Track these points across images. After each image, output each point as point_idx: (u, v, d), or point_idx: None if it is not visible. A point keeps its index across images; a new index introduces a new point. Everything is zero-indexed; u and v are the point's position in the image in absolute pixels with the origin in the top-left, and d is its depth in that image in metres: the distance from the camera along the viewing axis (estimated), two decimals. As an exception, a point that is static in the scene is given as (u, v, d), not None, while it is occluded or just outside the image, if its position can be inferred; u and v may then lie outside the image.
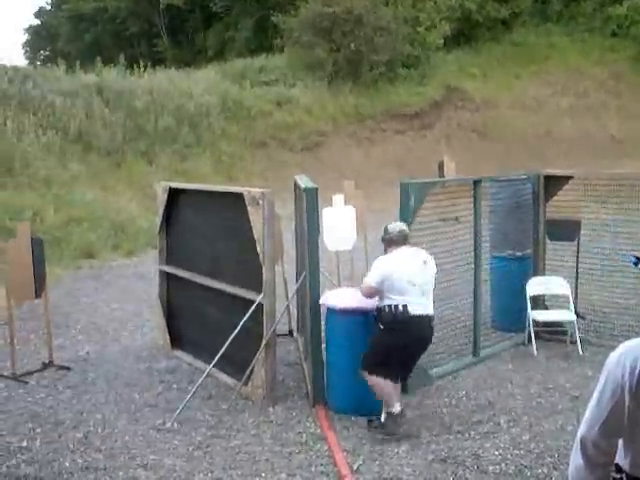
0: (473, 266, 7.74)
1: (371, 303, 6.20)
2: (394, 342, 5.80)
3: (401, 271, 5.80)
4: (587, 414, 2.62)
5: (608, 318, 8.50)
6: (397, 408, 5.81)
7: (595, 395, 2.59)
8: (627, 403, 2.48)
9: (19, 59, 54.14)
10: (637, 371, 2.47)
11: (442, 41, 25.56)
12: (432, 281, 6.01)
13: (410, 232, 6.78)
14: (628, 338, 2.64)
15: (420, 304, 5.79)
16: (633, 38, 26.10)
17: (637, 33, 25.92)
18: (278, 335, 7.19)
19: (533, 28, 28.33)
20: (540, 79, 25.12)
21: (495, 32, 28.20)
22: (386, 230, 6.05)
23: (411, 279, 5.77)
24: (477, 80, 25.34)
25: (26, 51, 46.60)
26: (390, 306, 5.80)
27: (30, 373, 7.61)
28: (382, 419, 5.90)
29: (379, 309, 5.92)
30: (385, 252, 6.07)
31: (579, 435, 2.63)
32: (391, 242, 6.01)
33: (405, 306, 5.74)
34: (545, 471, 5.21)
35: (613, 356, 2.57)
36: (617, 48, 26.43)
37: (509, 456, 5.47)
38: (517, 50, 27.09)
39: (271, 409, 6.52)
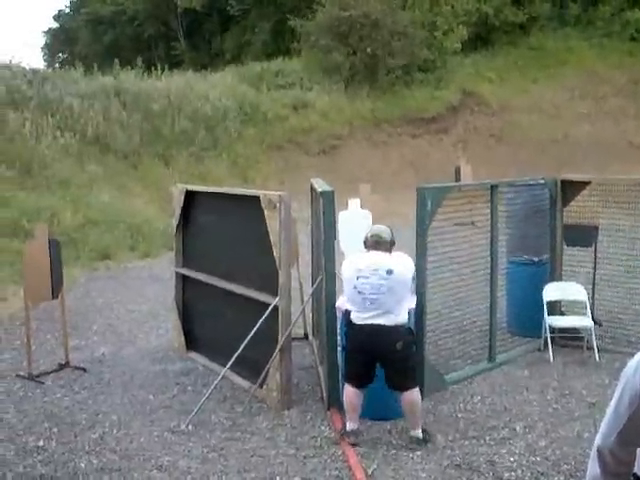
0: (489, 271, 7.69)
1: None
2: (348, 347, 5.96)
3: (349, 275, 5.82)
4: (604, 423, 2.57)
5: (625, 325, 8.43)
6: (348, 426, 5.91)
7: (612, 403, 2.56)
8: None
9: (38, 62, 54.64)
10: None
11: (459, 45, 25.51)
12: (396, 291, 5.70)
13: (427, 237, 6.80)
14: (645, 345, 2.62)
15: (365, 315, 5.70)
16: (651, 43, 25.98)
17: (656, 38, 25.81)
18: (293, 338, 7.18)
19: (551, 32, 28.20)
20: (557, 83, 25.00)
21: (512, 36, 28.10)
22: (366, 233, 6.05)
23: (356, 285, 5.73)
24: (494, 84, 25.27)
25: (45, 54, 46.95)
26: (347, 310, 5.94)
27: (46, 373, 7.66)
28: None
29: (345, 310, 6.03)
30: None
31: (596, 444, 2.59)
32: (366, 246, 5.94)
33: (349, 312, 5.86)
34: (562, 478, 5.17)
35: (630, 364, 2.53)
36: (635, 52, 26.25)
37: (525, 462, 5.43)
38: (534, 54, 26.98)
39: (286, 412, 6.51)
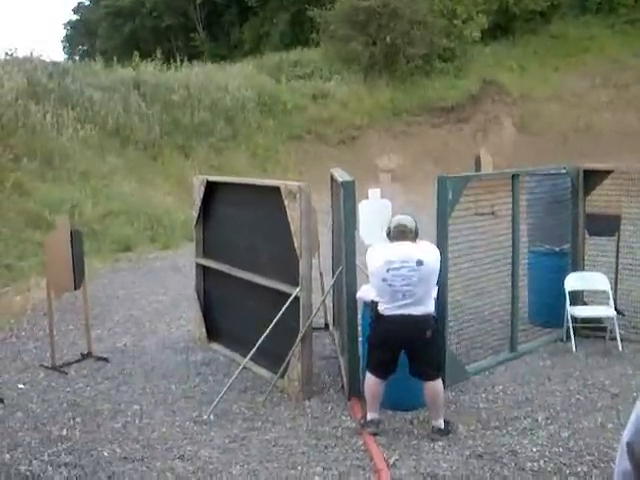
0: (511, 261, 7.65)
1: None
2: (373, 338, 5.87)
3: (378, 267, 5.68)
4: (632, 417, 2.47)
5: (648, 315, 8.37)
6: (370, 416, 5.87)
7: None
8: None
9: (58, 54, 54.90)
10: None
11: (479, 34, 25.33)
12: (426, 281, 5.66)
13: (448, 226, 6.77)
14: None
15: (396, 306, 5.63)
16: (675, 29, 25.66)
17: (679, 24, 25.49)
18: (314, 329, 7.18)
19: (572, 20, 27.95)
20: (579, 72, 24.77)
21: (533, 24, 27.88)
22: (390, 222, 5.96)
23: (386, 278, 5.62)
24: (514, 73, 25.08)
25: (65, 46, 47.16)
26: (372, 302, 5.84)
27: (69, 364, 7.72)
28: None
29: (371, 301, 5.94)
30: None
31: (625, 440, 2.48)
32: (389, 237, 5.87)
33: (377, 304, 5.74)
34: (585, 469, 5.13)
35: None
36: (658, 40, 25.96)
37: (547, 453, 5.40)
38: (555, 42, 26.75)
39: (307, 402, 6.52)
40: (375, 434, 5.77)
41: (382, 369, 5.82)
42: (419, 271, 5.59)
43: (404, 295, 5.59)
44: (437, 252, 5.85)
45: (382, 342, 5.77)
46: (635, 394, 6.26)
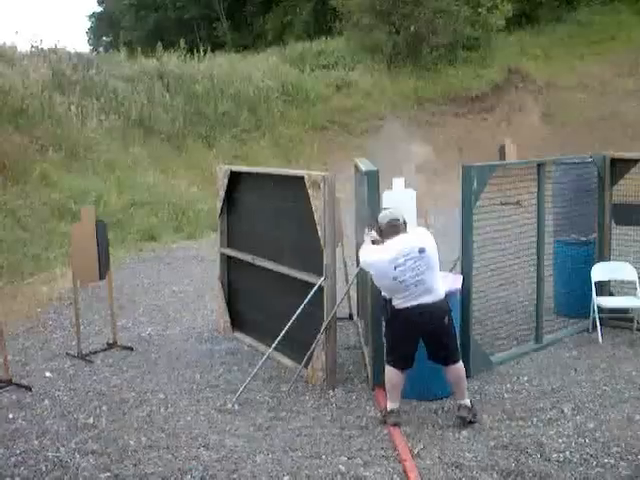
0: (536, 251, 7.59)
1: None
2: (392, 333, 5.87)
3: (383, 268, 5.62)
4: None
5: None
6: (389, 406, 5.86)
7: None
8: None
9: (83, 46, 55.17)
10: None
11: (504, 22, 25.05)
12: (432, 267, 5.63)
13: (473, 216, 6.72)
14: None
15: (412, 298, 5.60)
16: None
17: None
18: (338, 319, 7.18)
19: (599, 7, 27.56)
20: (605, 59, 24.43)
21: (559, 12, 27.54)
22: (376, 221, 5.85)
23: (396, 276, 5.55)
24: (539, 61, 24.81)
25: (89, 38, 47.37)
26: (384, 299, 5.82)
27: (95, 353, 7.79)
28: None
29: (383, 299, 5.88)
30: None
31: None
32: (381, 234, 5.80)
33: (391, 300, 5.71)
34: (612, 461, 5.08)
35: None
36: (687, 27, 25.53)
37: (573, 444, 5.36)
38: (581, 30, 26.41)
39: (331, 392, 6.53)
40: (396, 424, 5.76)
41: (403, 361, 5.83)
42: (423, 259, 5.58)
43: (416, 286, 5.58)
44: (429, 234, 5.86)
45: (403, 335, 5.77)
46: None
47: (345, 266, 8.52)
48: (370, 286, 6.53)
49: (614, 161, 8.27)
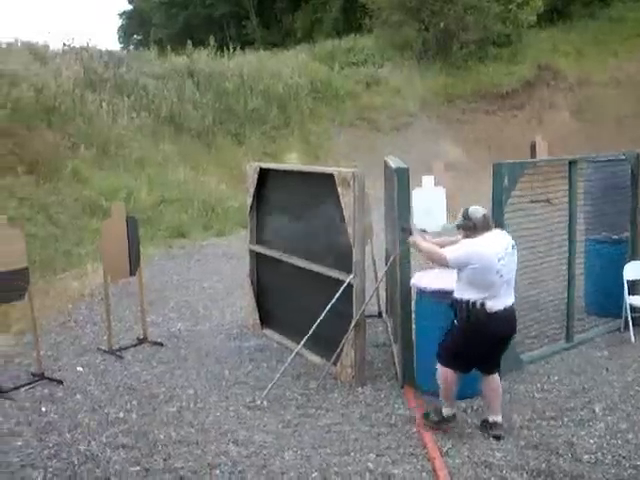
0: (567, 249, 7.51)
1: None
2: (468, 341, 5.43)
3: (491, 260, 5.24)
4: None
5: None
6: (446, 412, 5.67)
7: None
8: None
9: (114, 44, 55.59)
10: None
11: (535, 18, 24.80)
12: (515, 266, 5.52)
13: (504, 213, 6.67)
14: None
15: (503, 298, 5.34)
16: None
17: None
18: (367, 316, 7.18)
19: (632, 3, 27.17)
20: (638, 56, 24.10)
21: (591, 8, 27.21)
22: (466, 215, 5.43)
23: (499, 269, 5.26)
24: (571, 58, 24.54)
25: (120, 36, 47.71)
26: (468, 302, 5.36)
27: (126, 348, 7.86)
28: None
29: (457, 301, 5.46)
30: None
31: None
32: (474, 230, 5.39)
33: (483, 304, 5.28)
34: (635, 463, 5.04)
35: None
36: None
37: (605, 445, 5.31)
38: (614, 26, 26.05)
39: (360, 389, 6.53)
40: (448, 429, 5.63)
41: (467, 366, 5.57)
42: (514, 256, 5.45)
43: (508, 284, 5.39)
44: None
45: (486, 341, 5.41)
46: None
47: (374, 263, 8.51)
48: (400, 284, 6.52)
49: (647, 158, 8.16)
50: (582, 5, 27.16)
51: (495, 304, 5.31)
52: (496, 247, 5.32)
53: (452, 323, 5.53)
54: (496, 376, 5.63)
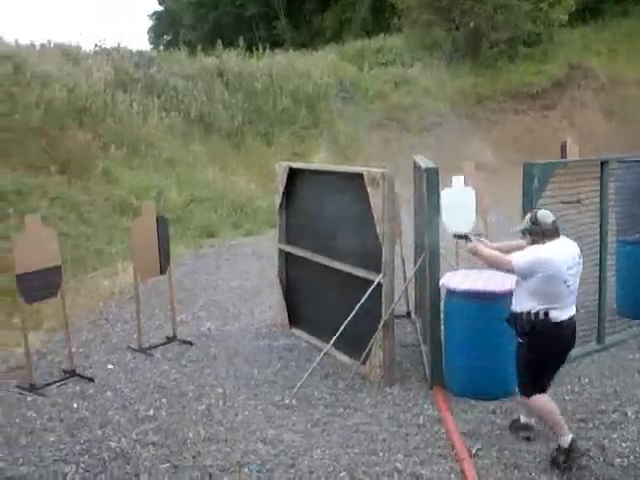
0: (598, 250, 7.44)
1: (493, 286, 6.12)
2: (539, 356, 5.12)
3: (560, 269, 4.96)
4: None
5: None
6: (567, 440, 5.12)
7: None
8: None
9: (144, 44, 55.98)
10: None
11: (566, 17, 24.56)
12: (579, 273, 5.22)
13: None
14: None
15: (568, 308, 5.08)
16: None
17: None
18: (396, 316, 7.17)
19: (667, 0, 26.79)
20: (673, 54, 23.76)
21: (625, 6, 26.85)
22: (535, 220, 5.12)
23: (567, 279, 5.00)
24: (603, 57, 24.25)
25: (150, 37, 48.10)
26: (529, 313, 5.07)
27: (155, 346, 7.93)
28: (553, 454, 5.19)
29: (517, 315, 5.16)
30: None
31: None
32: (543, 236, 5.08)
33: (547, 313, 5.01)
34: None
35: None
36: None
37: (638, 449, 5.26)
38: (648, 25, 25.73)
39: (388, 389, 6.53)
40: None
41: (547, 383, 5.34)
42: (580, 266, 5.18)
43: (573, 294, 5.12)
44: None
45: (555, 353, 5.18)
46: None
47: (403, 263, 8.50)
48: (429, 284, 6.50)
49: (681, 159, 8.06)
50: (615, 3, 26.84)
51: (560, 314, 5.05)
52: (565, 255, 5.06)
53: (518, 344, 5.26)
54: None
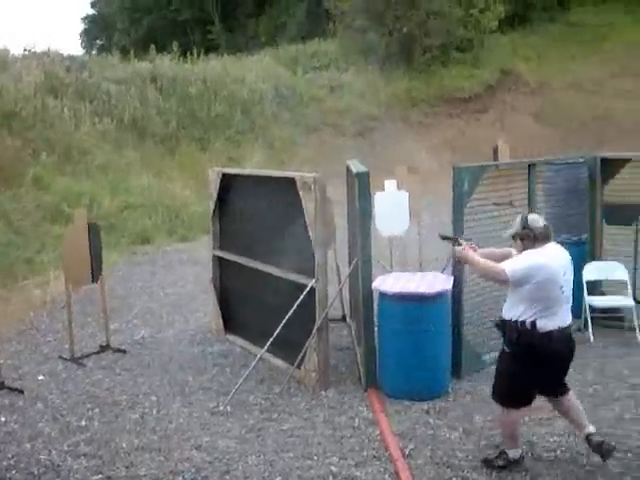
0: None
1: (425, 288, 6.21)
2: (521, 368, 4.89)
3: (556, 273, 4.82)
4: None
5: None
6: (516, 454, 5.08)
7: None
8: None
9: (76, 48, 55.11)
10: None
11: (496, 23, 25.11)
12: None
13: (464, 216, 6.74)
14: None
15: (559, 317, 4.86)
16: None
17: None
18: (331, 320, 7.20)
19: (591, 7, 27.63)
20: (598, 60, 24.47)
21: (551, 13, 27.61)
22: (525, 223, 4.95)
23: (563, 284, 4.84)
24: (532, 62, 24.87)
25: (82, 40, 47.33)
26: (517, 322, 4.86)
27: (88, 356, 7.79)
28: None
29: (505, 322, 4.97)
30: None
31: None
32: (535, 240, 4.93)
33: (534, 323, 4.80)
34: (602, 460, 5.11)
35: None
36: (680, 26, 25.56)
37: (564, 443, 5.39)
38: (574, 30, 26.46)
39: (323, 393, 6.54)
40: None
41: (530, 397, 5.02)
42: (572, 271, 5.02)
43: (568, 302, 4.92)
44: None
45: (541, 365, 4.87)
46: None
47: (338, 267, 8.53)
48: (362, 288, 6.56)
49: (604, 161, 8.30)
50: (542, 10, 27.54)
51: (549, 323, 4.82)
52: (560, 259, 4.93)
53: (501, 350, 5.11)
54: (567, 396, 5.18)
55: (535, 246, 4.92)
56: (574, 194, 8.45)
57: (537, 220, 5.01)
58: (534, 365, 4.84)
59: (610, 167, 8.29)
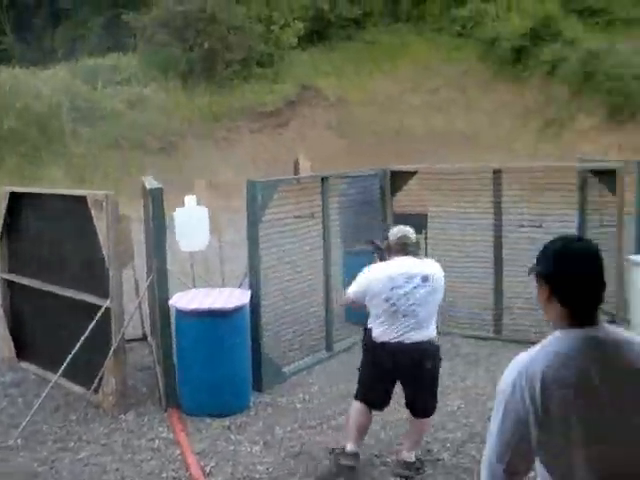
0: (323, 261, 7.84)
1: (221, 303, 6.22)
2: (367, 367, 5.21)
3: (380, 284, 4.96)
4: (489, 444, 2.35)
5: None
6: (350, 447, 5.17)
7: (495, 424, 2.33)
8: (533, 433, 2.24)
9: None
10: (538, 392, 2.20)
11: (296, 40, 25.75)
12: (432, 301, 5.04)
13: (259, 230, 6.82)
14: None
15: (393, 330, 4.96)
16: (476, 38, 27.21)
17: (480, 34, 27.04)
18: (132, 340, 7.04)
19: (384, 27, 29.03)
20: (392, 77, 25.71)
21: (348, 31, 28.69)
22: (385, 234, 5.26)
23: (390, 297, 4.93)
24: (331, 78, 25.67)
25: None
26: (366, 328, 5.15)
27: None
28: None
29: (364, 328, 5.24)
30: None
31: (487, 463, 2.36)
32: (389, 251, 5.14)
33: (371, 330, 5.04)
34: (393, 457, 5.36)
35: (506, 380, 2.30)
36: (462, 47, 27.43)
37: (362, 446, 5.55)
38: (370, 49, 27.63)
39: (123, 416, 6.35)
40: (352, 468, 5.14)
41: (374, 399, 5.21)
42: (425, 288, 4.97)
43: (405, 316, 4.93)
44: (441, 270, 5.20)
45: (377, 373, 5.12)
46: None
47: (137, 286, 8.33)
48: (159, 305, 6.45)
49: (394, 174, 8.74)
50: (340, 28, 28.57)
51: (382, 335, 4.99)
52: (392, 272, 4.99)
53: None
54: (426, 420, 5.26)
55: (387, 258, 5.16)
56: (368, 205, 8.81)
57: (395, 233, 5.18)
58: (370, 368, 5.17)
59: (399, 179, 8.73)
